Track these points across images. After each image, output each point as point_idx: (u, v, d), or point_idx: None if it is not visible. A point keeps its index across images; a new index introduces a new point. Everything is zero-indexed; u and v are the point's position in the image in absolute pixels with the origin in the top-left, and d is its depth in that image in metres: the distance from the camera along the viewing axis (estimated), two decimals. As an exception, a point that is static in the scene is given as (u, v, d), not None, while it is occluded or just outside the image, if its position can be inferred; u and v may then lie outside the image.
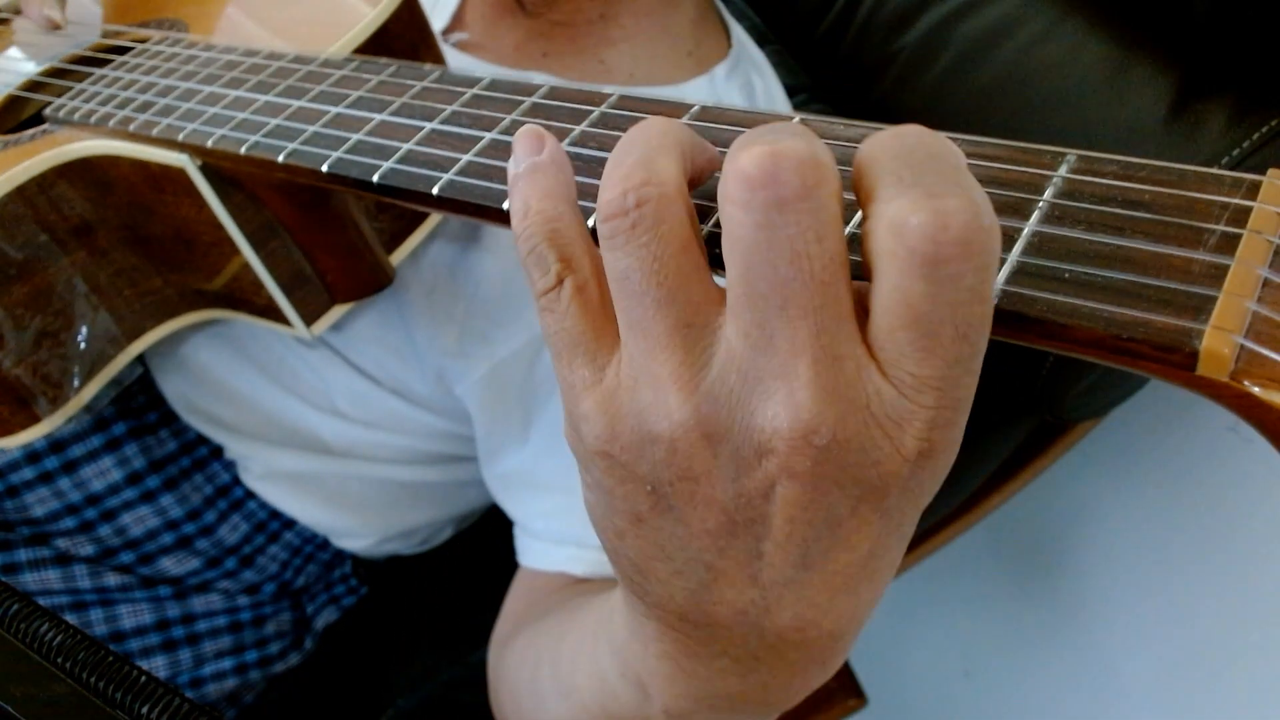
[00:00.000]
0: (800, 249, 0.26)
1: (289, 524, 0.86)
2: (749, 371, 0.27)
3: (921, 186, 0.25)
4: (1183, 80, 0.69)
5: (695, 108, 0.35)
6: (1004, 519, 0.97)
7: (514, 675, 0.60)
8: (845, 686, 0.96)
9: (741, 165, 0.26)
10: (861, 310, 0.27)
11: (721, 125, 0.34)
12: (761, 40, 0.91)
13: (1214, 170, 0.28)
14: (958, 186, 0.25)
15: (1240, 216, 0.26)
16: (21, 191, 0.55)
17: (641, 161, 0.28)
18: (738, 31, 0.77)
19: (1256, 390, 0.24)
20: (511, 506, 0.72)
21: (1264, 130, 0.65)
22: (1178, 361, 0.25)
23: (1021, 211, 0.28)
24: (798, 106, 0.91)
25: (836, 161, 0.27)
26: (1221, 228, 0.26)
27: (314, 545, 0.88)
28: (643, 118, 0.35)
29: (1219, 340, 0.24)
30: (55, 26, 0.67)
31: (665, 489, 0.29)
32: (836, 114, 0.91)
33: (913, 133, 0.27)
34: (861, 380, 0.26)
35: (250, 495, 0.84)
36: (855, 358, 0.26)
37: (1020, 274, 0.27)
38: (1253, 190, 0.27)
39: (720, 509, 0.29)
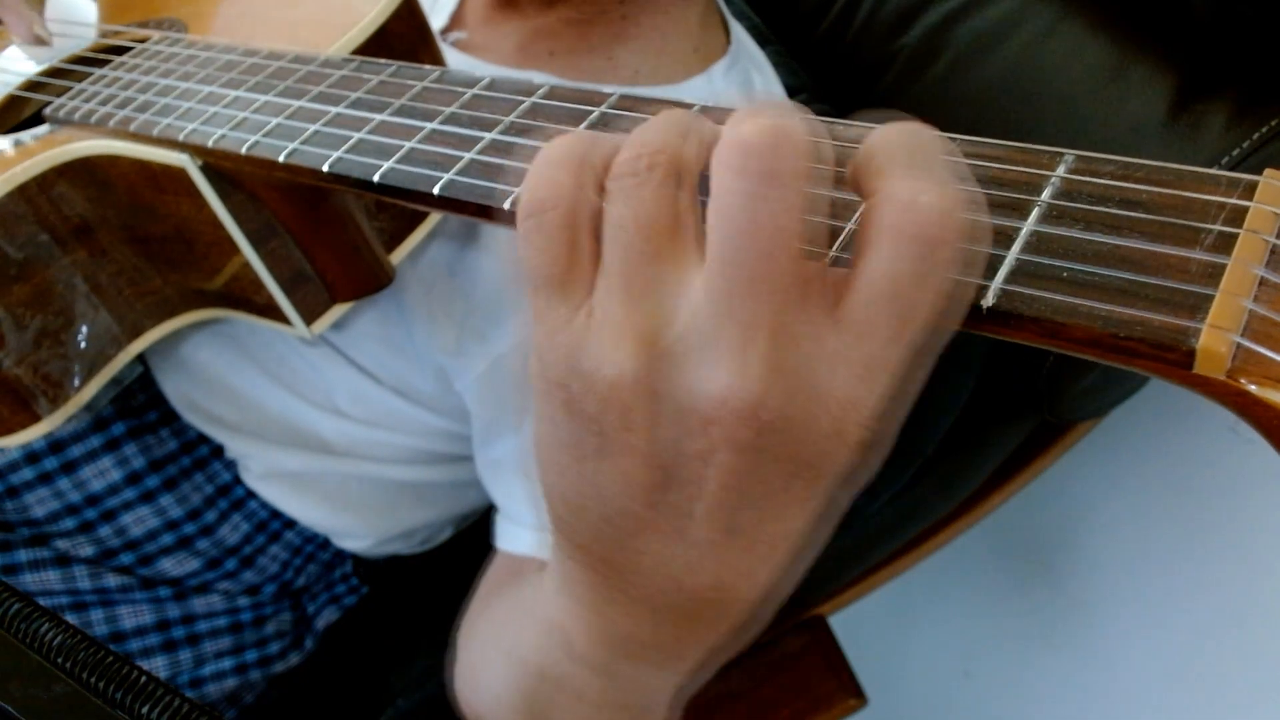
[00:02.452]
0: (784, 224, 0.26)
1: (289, 524, 0.86)
2: (708, 337, 0.27)
3: (934, 176, 0.26)
4: (1183, 80, 0.69)
5: (695, 108, 0.35)
6: (1004, 519, 0.97)
7: (472, 648, 0.61)
8: (845, 686, 0.96)
9: (743, 132, 0.26)
10: (832, 298, 0.28)
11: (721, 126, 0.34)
12: (762, 40, 0.90)
13: (1211, 171, 0.28)
14: (947, 181, 0.26)
15: (1237, 216, 0.27)
16: (22, 191, 0.55)
17: (664, 136, 0.29)
18: (736, 29, 0.77)
19: (1253, 388, 0.24)
20: (498, 492, 0.72)
21: (1264, 130, 0.65)
22: (1175, 360, 0.25)
23: (1020, 211, 0.29)
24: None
25: (835, 162, 0.28)
26: (1218, 227, 0.26)
27: (314, 545, 0.88)
28: (643, 117, 0.35)
29: (1216, 339, 0.25)
30: (42, 43, 0.68)
31: (610, 434, 0.30)
32: (837, 114, 0.92)
33: (923, 130, 0.28)
34: (817, 362, 0.27)
35: (251, 495, 0.84)
36: (815, 340, 0.27)
37: (1019, 273, 0.27)
38: (1249, 190, 0.27)
39: (658, 464, 0.29)
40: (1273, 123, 0.65)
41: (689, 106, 0.36)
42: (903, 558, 1.01)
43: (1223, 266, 0.26)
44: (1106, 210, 0.28)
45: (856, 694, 0.96)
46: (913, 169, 0.26)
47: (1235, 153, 0.65)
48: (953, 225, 0.25)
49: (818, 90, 0.94)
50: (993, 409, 0.85)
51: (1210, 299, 0.25)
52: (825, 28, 0.93)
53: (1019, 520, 1.07)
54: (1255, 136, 0.65)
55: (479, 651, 0.59)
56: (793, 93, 0.92)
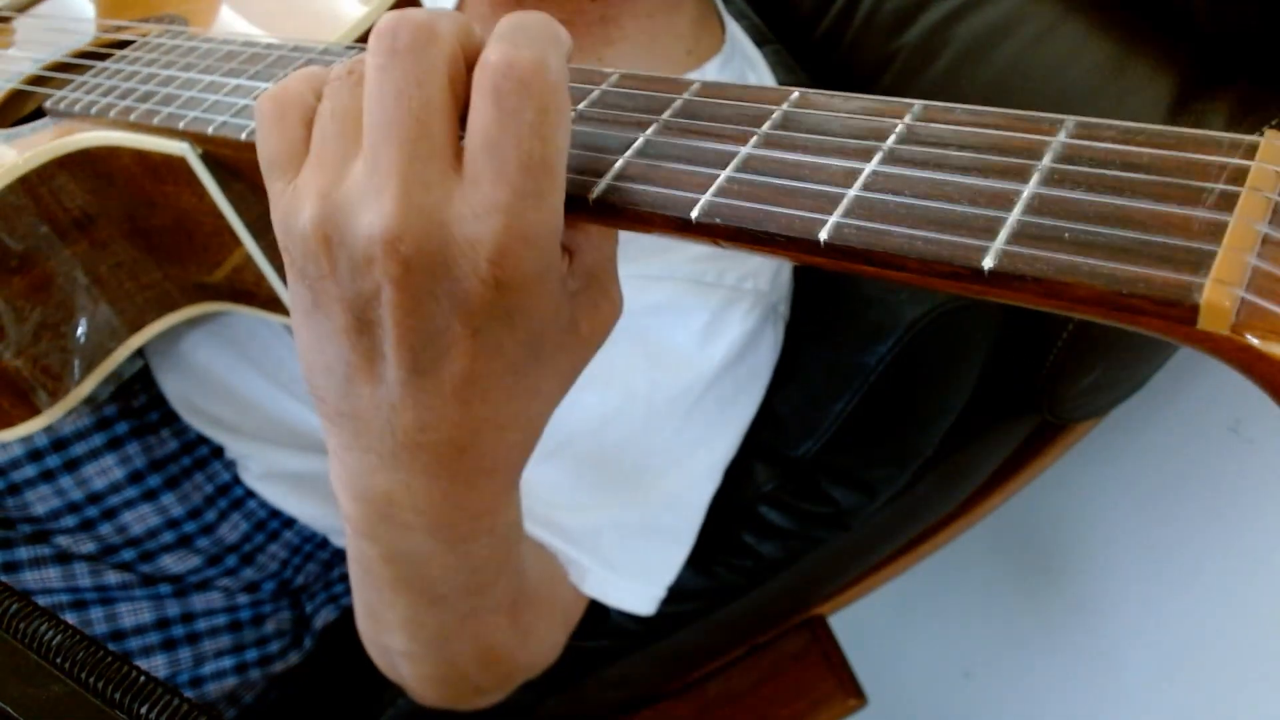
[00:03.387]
0: (402, 89, 0.32)
1: (288, 523, 0.86)
2: (360, 187, 0.32)
3: (509, 39, 0.31)
4: (1182, 80, 0.69)
5: (696, 84, 0.36)
6: (1004, 519, 0.97)
7: None
8: (845, 686, 0.96)
9: (378, 24, 0.32)
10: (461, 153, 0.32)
11: (720, 100, 0.35)
12: (761, 40, 0.91)
13: (1212, 132, 0.28)
14: (539, 47, 0.31)
15: (1239, 175, 0.27)
16: (22, 183, 0.56)
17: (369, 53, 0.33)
18: (732, 28, 0.78)
19: (1256, 342, 0.24)
20: None
21: (1263, 130, 0.65)
22: (1179, 316, 0.25)
23: (1021, 175, 0.29)
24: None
25: (839, 132, 0.31)
26: (1220, 186, 0.26)
27: (313, 544, 0.88)
28: (645, 95, 0.36)
29: (1220, 294, 0.25)
30: None
31: (315, 285, 0.35)
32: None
33: (530, 12, 0.33)
34: (446, 204, 0.31)
35: (250, 494, 0.85)
36: (444, 186, 0.32)
37: (1020, 235, 0.27)
38: (1251, 150, 0.27)
39: (348, 307, 0.34)
40: (1273, 123, 0.65)
41: (690, 83, 0.36)
42: (903, 557, 1.01)
43: (1225, 224, 0.26)
44: (1108, 173, 0.28)
45: (856, 694, 0.96)
46: (497, 38, 0.32)
47: (1234, 151, 0.65)
48: (513, 76, 0.30)
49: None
50: (993, 409, 0.85)
51: (1213, 255, 0.25)
52: (824, 28, 0.94)
53: (1019, 520, 1.07)
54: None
55: None
56: (792, 92, 0.92)
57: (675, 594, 0.72)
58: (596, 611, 0.70)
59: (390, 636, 0.53)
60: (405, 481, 0.39)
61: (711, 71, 0.73)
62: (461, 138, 0.33)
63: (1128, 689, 1.04)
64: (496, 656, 0.56)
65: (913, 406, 0.82)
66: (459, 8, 0.74)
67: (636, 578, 0.70)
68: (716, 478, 0.73)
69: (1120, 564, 1.03)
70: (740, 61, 0.76)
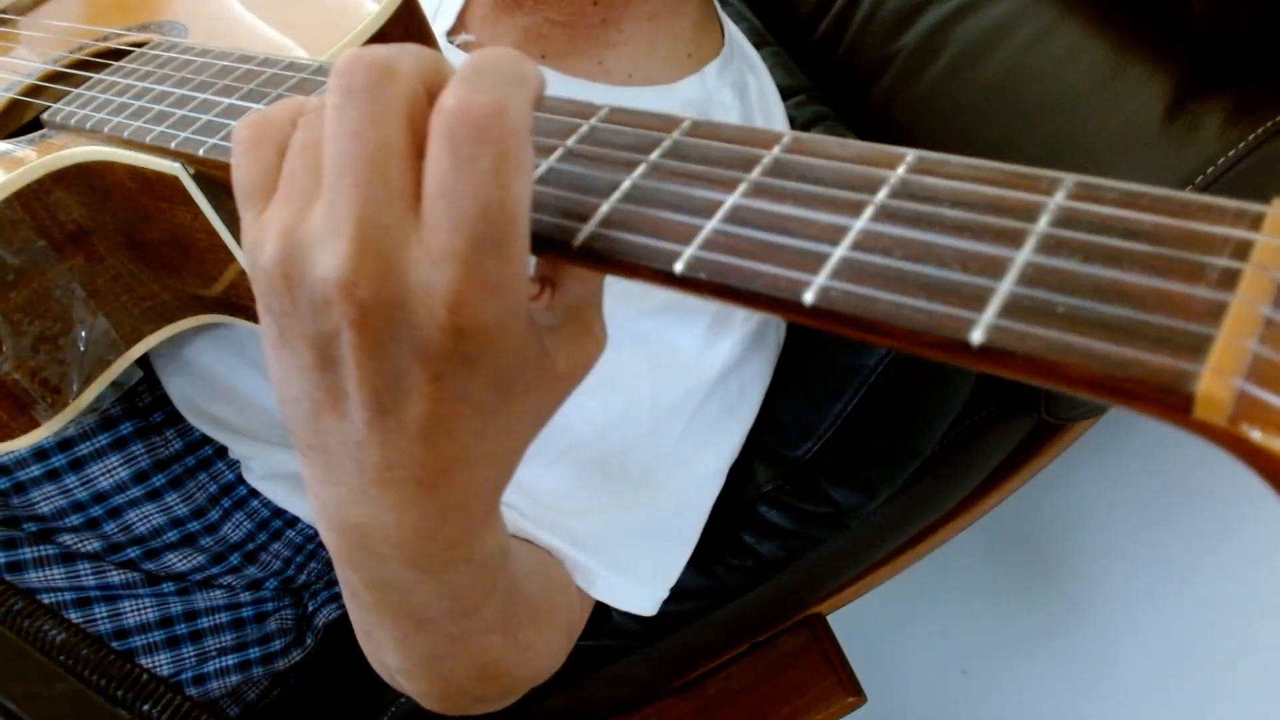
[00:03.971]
0: (357, 129, 0.31)
1: (291, 521, 0.86)
2: (319, 229, 0.32)
3: (469, 83, 0.30)
4: (1179, 82, 0.69)
5: (686, 123, 0.35)
6: (1002, 518, 0.98)
7: None
8: (844, 684, 0.97)
9: (336, 63, 0.32)
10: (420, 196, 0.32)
11: (711, 142, 0.34)
12: (760, 42, 0.91)
13: (1218, 200, 0.26)
14: (499, 91, 0.30)
15: (1243, 249, 0.25)
16: (18, 197, 0.55)
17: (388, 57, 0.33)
18: (732, 30, 0.77)
19: (1255, 435, 0.23)
20: None
21: (1259, 132, 0.65)
22: (1174, 404, 0.24)
23: (1015, 240, 0.27)
24: (796, 108, 0.91)
25: (831, 182, 0.29)
26: (1223, 262, 0.25)
27: (315, 543, 0.88)
28: (634, 132, 0.35)
29: (1217, 384, 0.23)
30: None
31: (280, 320, 0.34)
32: (835, 115, 0.92)
33: (495, 49, 0.32)
34: (403, 250, 0.31)
35: (254, 493, 0.85)
36: (401, 231, 0.31)
37: (1012, 307, 0.26)
38: (1256, 222, 0.26)
39: (309, 345, 0.34)
40: (1269, 124, 0.65)
41: (680, 122, 0.35)
42: (901, 556, 1.01)
43: (1226, 305, 0.24)
44: (1106, 241, 0.26)
45: (856, 692, 0.97)
46: (459, 80, 0.30)
47: (1231, 154, 0.65)
48: (468, 124, 0.29)
49: (816, 92, 0.94)
50: (990, 409, 0.85)
51: (1212, 340, 0.24)
52: (823, 30, 0.93)
53: (1017, 519, 1.07)
54: (1251, 138, 0.65)
55: None
56: (791, 94, 0.92)
57: (676, 594, 0.73)
58: (598, 612, 0.70)
59: (385, 654, 0.53)
60: (375, 515, 0.38)
61: (711, 74, 0.73)
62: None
63: (1124, 686, 1.04)
64: (494, 672, 0.56)
65: (911, 407, 0.83)
66: (464, 10, 0.74)
67: (643, 581, 0.71)
68: (721, 479, 0.73)
69: (1117, 562, 1.03)
70: (740, 63, 0.76)
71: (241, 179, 0.36)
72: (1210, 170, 0.66)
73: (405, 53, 0.33)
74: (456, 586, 0.44)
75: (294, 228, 0.33)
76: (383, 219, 0.31)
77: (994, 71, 0.78)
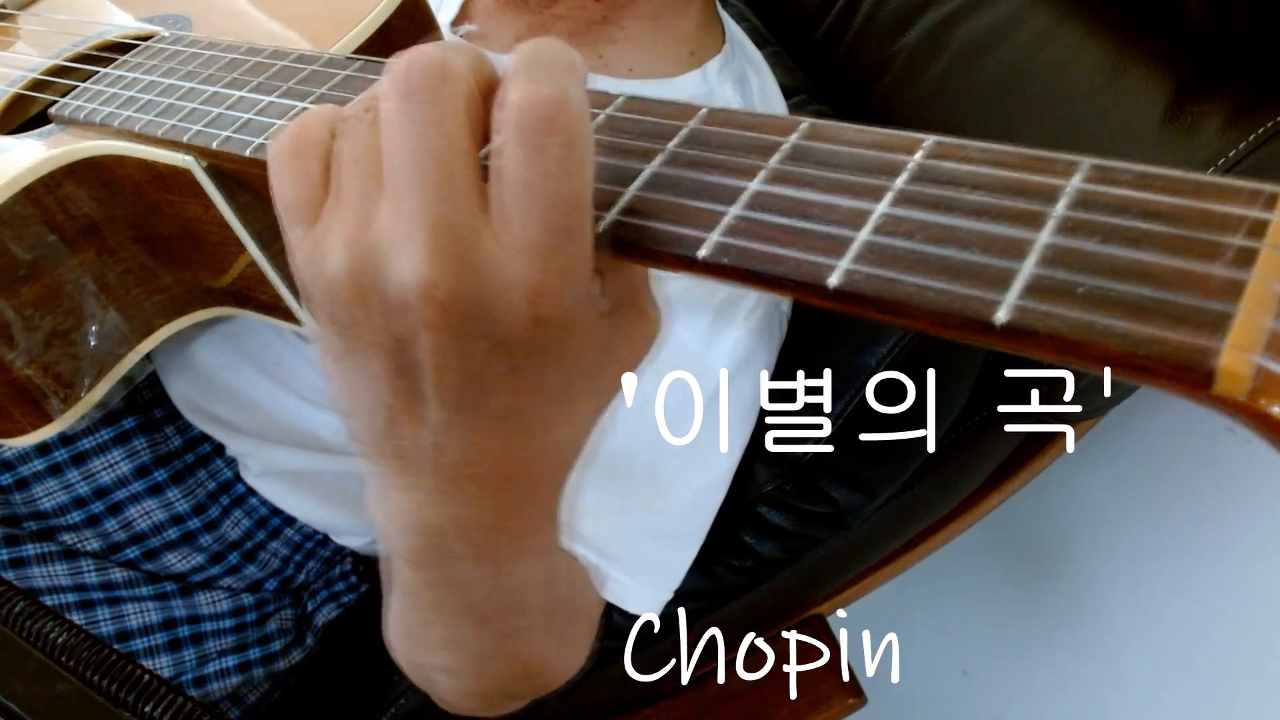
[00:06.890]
0: (421, 131, 0.31)
1: (289, 520, 0.86)
2: (389, 234, 0.32)
3: (528, 75, 0.30)
4: (1180, 82, 0.69)
5: (703, 111, 0.35)
6: (1002, 518, 0.98)
7: None
8: (845, 685, 0.96)
9: (390, 65, 0.32)
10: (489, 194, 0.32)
11: (728, 130, 0.34)
12: (761, 42, 0.91)
13: (1232, 181, 0.27)
14: (558, 81, 0.30)
15: (1258, 228, 0.25)
16: (29, 192, 0.55)
17: (380, 87, 0.33)
18: (733, 28, 0.78)
19: (1275, 410, 0.23)
20: None
21: (1259, 132, 0.65)
22: (1194, 380, 0.24)
23: (1035, 222, 0.28)
24: (796, 107, 0.92)
25: (850, 168, 0.30)
26: (1239, 241, 0.25)
27: (314, 542, 0.88)
28: (651, 120, 0.35)
29: (1237, 359, 0.24)
30: None
31: (347, 332, 0.34)
32: (836, 116, 0.92)
33: (544, 41, 0.32)
34: (477, 246, 0.31)
35: (252, 491, 0.85)
36: (473, 229, 0.31)
37: (1034, 288, 0.27)
38: (1270, 202, 0.26)
39: (383, 352, 0.34)
40: (1269, 124, 0.65)
41: (697, 109, 0.35)
42: (902, 557, 1.01)
43: (1244, 282, 0.25)
44: (1124, 222, 0.27)
45: (856, 693, 0.97)
46: (516, 74, 0.31)
47: (1231, 154, 0.66)
48: (536, 115, 0.30)
49: (816, 92, 0.95)
50: (991, 408, 0.85)
51: (1231, 317, 0.24)
52: (824, 30, 0.94)
53: (1018, 520, 1.07)
54: (1251, 138, 0.65)
55: None
56: (792, 94, 0.92)
57: (676, 594, 0.73)
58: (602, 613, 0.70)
59: (431, 655, 0.52)
60: (452, 514, 0.39)
61: (713, 71, 0.73)
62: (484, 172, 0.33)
63: (1125, 687, 1.04)
64: (536, 669, 0.56)
65: (910, 406, 0.83)
66: (464, 8, 0.75)
67: (651, 583, 0.71)
68: (729, 479, 0.73)
69: (1117, 563, 1.04)
70: (741, 60, 0.76)
71: (286, 195, 0.35)
72: (1210, 170, 0.66)
73: (457, 50, 0.33)
74: (516, 580, 0.44)
75: (360, 236, 0.33)
76: (455, 218, 0.31)
77: (994, 72, 0.78)
